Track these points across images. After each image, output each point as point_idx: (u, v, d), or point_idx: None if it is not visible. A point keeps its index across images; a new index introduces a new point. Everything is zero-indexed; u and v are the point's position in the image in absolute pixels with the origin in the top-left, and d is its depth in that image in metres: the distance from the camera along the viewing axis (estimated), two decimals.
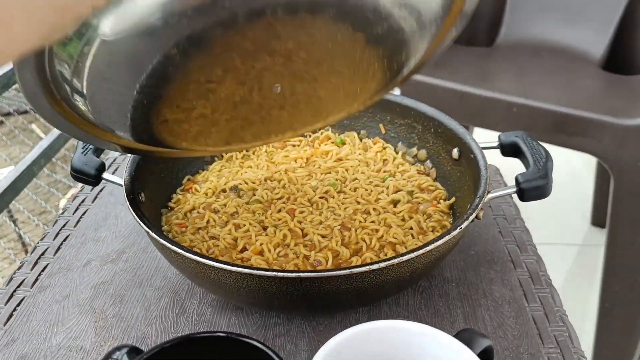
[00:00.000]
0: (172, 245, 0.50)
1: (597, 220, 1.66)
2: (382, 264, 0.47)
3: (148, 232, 0.52)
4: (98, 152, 0.62)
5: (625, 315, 1.11)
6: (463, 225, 0.52)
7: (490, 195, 0.57)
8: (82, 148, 0.61)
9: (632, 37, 1.36)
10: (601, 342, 1.14)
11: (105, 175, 0.61)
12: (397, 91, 1.30)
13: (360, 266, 0.47)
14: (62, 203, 1.64)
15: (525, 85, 1.17)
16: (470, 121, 1.17)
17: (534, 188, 0.56)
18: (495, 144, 0.65)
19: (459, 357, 0.39)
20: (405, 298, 0.60)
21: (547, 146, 0.64)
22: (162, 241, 0.51)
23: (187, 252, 0.49)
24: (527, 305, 0.59)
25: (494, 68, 1.31)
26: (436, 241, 0.50)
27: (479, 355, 0.40)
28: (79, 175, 0.61)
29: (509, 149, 0.64)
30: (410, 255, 0.48)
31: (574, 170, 1.65)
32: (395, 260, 0.48)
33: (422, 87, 1.16)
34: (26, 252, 1.56)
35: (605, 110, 1.02)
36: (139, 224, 0.53)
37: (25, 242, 1.53)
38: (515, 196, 0.58)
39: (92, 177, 0.61)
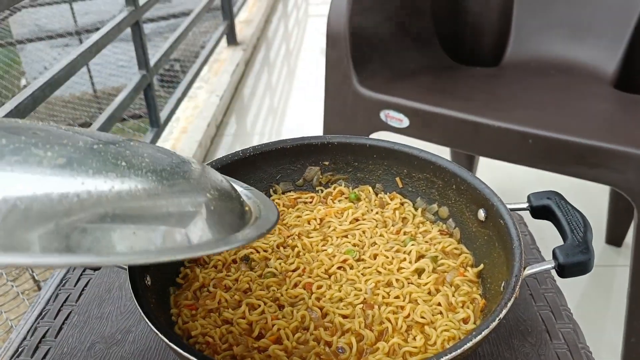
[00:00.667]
0: (186, 352, 0.46)
1: (612, 238, 1.61)
2: None
3: (157, 333, 0.48)
4: None
5: None
6: (502, 315, 0.47)
7: (526, 272, 0.52)
8: None
9: None
10: None
11: None
12: (405, 122, 1.25)
13: None
14: None
15: (538, 112, 1.12)
16: (485, 153, 1.13)
17: (575, 264, 0.52)
18: (525, 205, 0.61)
19: None
20: None
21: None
22: (176, 348, 0.46)
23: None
24: None
25: (505, 93, 1.27)
26: (474, 337, 0.45)
27: None
28: None
29: (541, 212, 0.60)
30: (445, 357, 0.44)
31: (586, 187, 1.61)
32: None
33: (433, 118, 1.11)
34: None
35: (627, 140, 0.97)
36: (149, 325, 0.49)
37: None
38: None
39: None
